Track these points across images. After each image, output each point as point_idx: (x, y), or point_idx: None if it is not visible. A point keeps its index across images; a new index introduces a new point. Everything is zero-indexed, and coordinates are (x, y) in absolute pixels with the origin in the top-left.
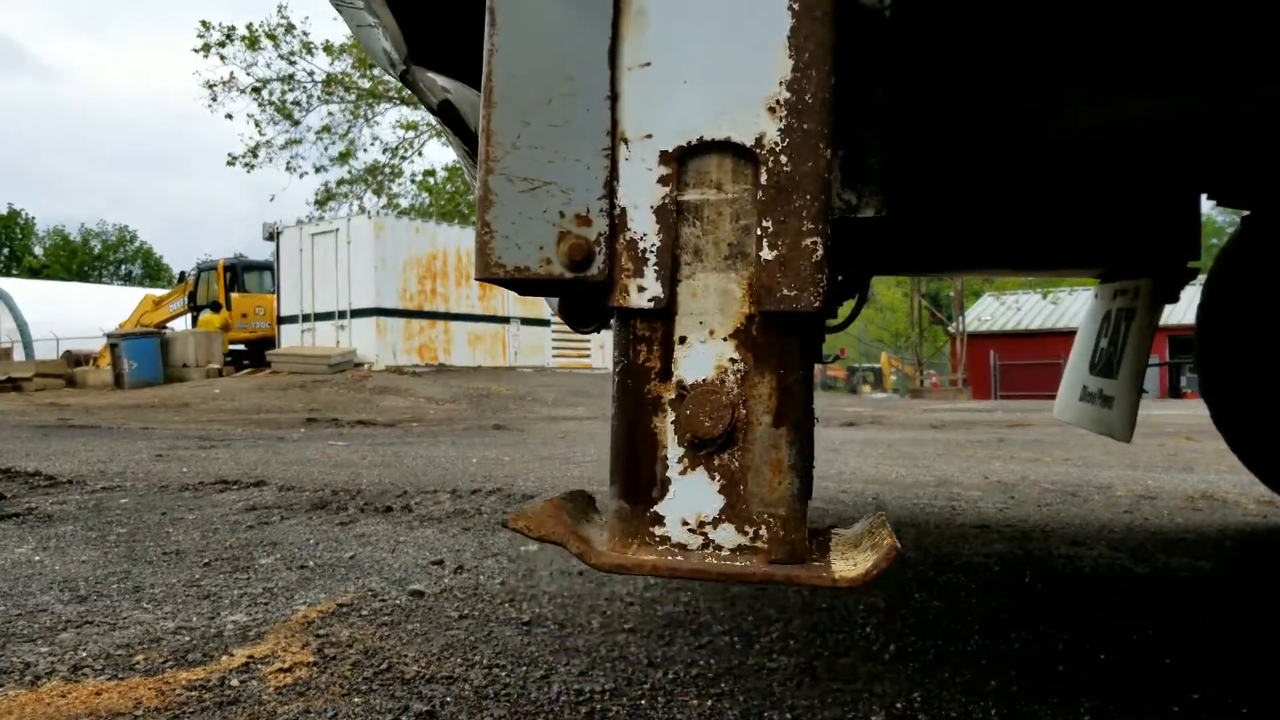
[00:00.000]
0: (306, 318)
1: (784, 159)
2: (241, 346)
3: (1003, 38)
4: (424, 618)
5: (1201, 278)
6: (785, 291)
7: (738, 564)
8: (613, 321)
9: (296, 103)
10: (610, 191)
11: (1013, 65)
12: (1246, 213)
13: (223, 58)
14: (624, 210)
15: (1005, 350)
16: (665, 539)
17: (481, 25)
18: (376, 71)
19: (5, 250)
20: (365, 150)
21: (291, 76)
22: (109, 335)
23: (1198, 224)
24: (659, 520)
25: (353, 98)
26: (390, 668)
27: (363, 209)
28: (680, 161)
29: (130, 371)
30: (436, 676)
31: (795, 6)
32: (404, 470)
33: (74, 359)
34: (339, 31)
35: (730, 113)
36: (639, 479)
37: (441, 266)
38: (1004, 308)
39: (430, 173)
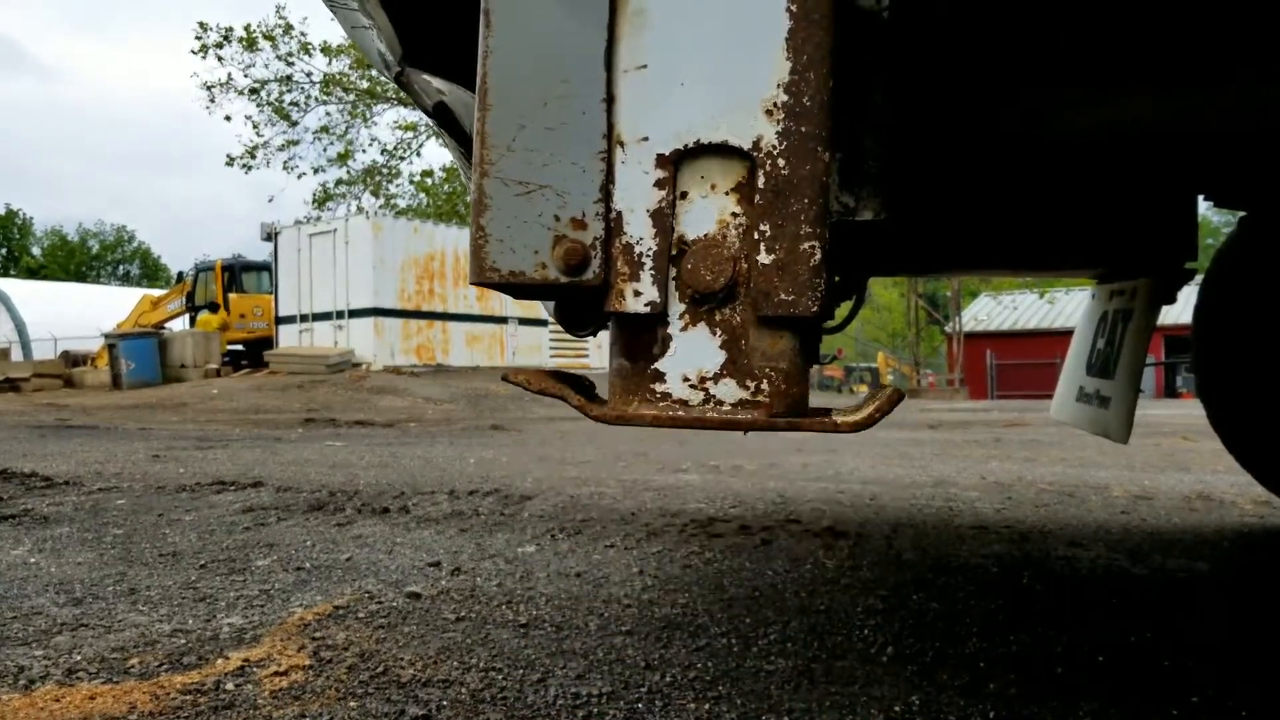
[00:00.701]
0: (304, 318)
1: (781, 162)
2: (239, 347)
3: (1002, 39)
4: (420, 620)
5: (1198, 278)
6: (783, 296)
7: (740, 415)
8: (609, 326)
9: (294, 104)
10: (606, 195)
11: (1011, 66)
12: (1243, 214)
13: (220, 59)
14: (620, 214)
15: (1002, 350)
16: (666, 395)
17: (477, 27)
18: (374, 72)
19: (3, 250)
20: (363, 151)
21: (289, 77)
22: (107, 335)
23: (1195, 225)
24: (660, 377)
25: (351, 98)
26: (386, 671)
27: (361, 209)
28: (676, 165)
29: (128, 372)
30: (433, 680)
31: (793, 9)
32: (401, 471)
33: (72, 359)
34: (337, 32)
35: (727, 115)
36: (639, 336)
37: (439, 267)
38: (1001, 307)
39: (428, 173)
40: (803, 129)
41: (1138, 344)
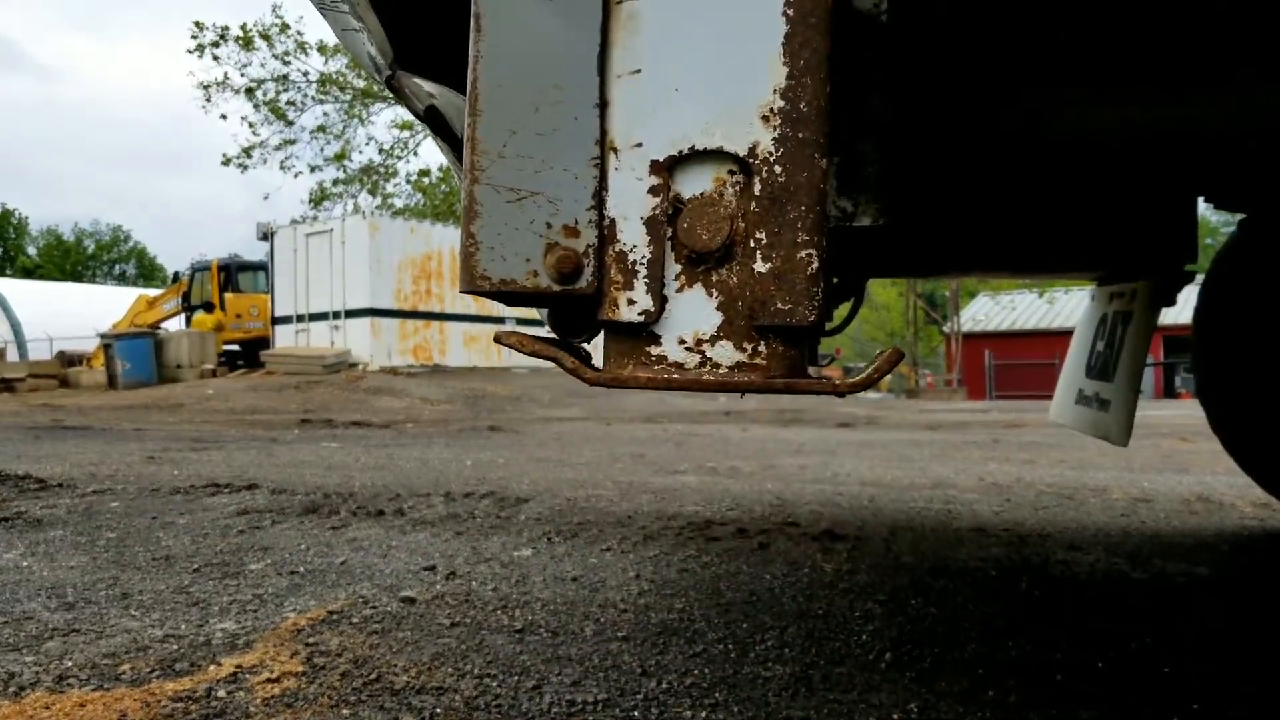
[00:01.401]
0: (301, 318)
1: (778, 169)
2: (236, 347)
3: (1001, 40)
4: (415, 625)
5: (1198, 279)
6: (780, 305)
7: (736, 378)
8: (603, 336)
9: (291, 103)
10: (599, 202)
11: (1011, 67)
12: (1243, 216)
13: (216, 58)
14: (613, 221)
15: (1000, 350)
16: (662, 358)
17: (468, 29)
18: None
19: None
20: (360, 151)
21: (286, 77)
22: (102, 336)
23: (1195, 227)
24: (655, 340)
25: (347, 98)
26: (380, 678)
27: (357, 209)
28: (671, 171)
29: (124, 372)
30: (427, 687)
31: (790, 12)
32: (397, 472)
33: (67, 359)
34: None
35: (723, 121)
36: (634, 346)
37: (436, 267)
38: (999, 307)
39: (425, 173)
40: (800, 135)
41: (1138, 346)
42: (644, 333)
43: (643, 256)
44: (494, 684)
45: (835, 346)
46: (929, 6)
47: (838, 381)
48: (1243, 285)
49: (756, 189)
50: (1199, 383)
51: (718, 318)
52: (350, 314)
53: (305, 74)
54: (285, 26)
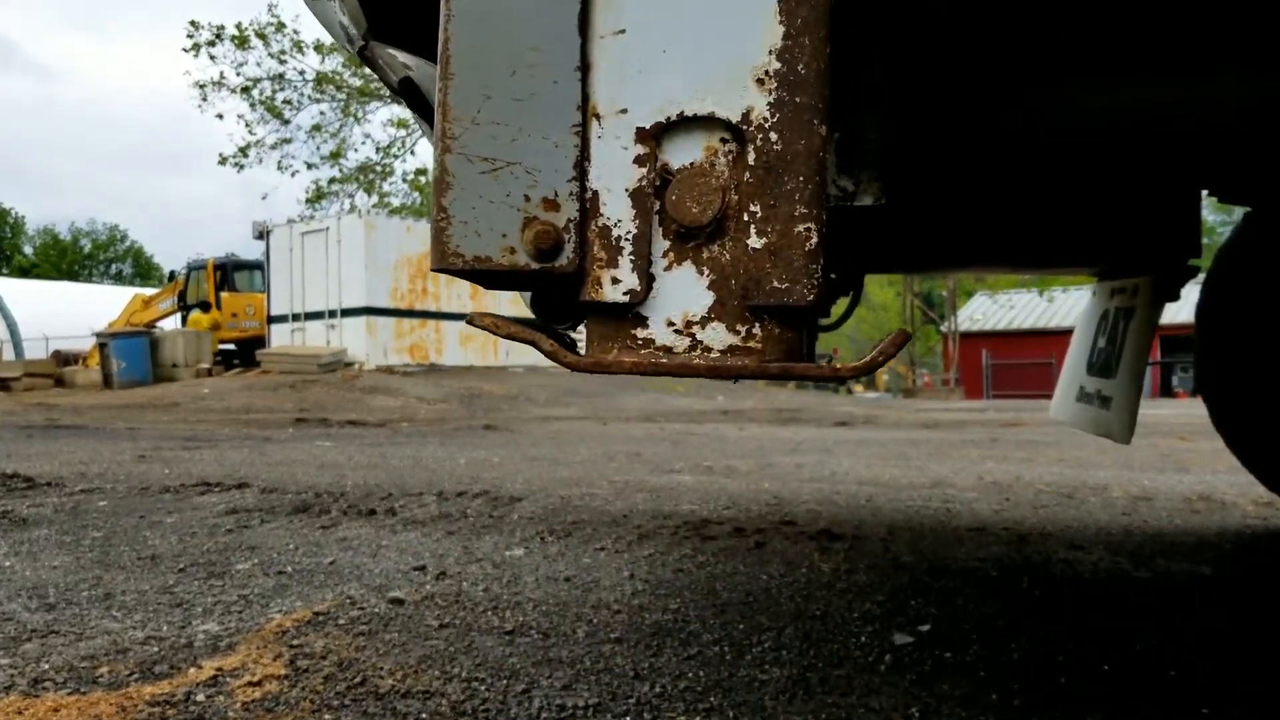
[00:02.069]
0: (297, 317)
1: (774, 136)
2: (231, 346)
3: (1005, 19)
4: (403, 627)
5: (1201, 276)
6: (776, 284)
7: (729, 362)
8: (586, 321)
9: (287, 101)
10: (581, 173)
11: (1014, 47)
12: (1246, 210)
13: (212, 57)
14: (596, 194)
15: (998, 349)
16: (649, 341)
17: None
18: (368, 70)
19: None
20: (355, 150)
21: (282, 75)
22: (98, 334)
23: (1198, 221)
24: (641, 322)
25: (343, 96)
26: (364, 681)
27: (354, 207)
28: (658, 139)
29: (119, 371)
30: (413, 691)
31: None
32: (390, 471)
33: (63, 359)
34: None
35: (714, 85)
36: (619, 328)
37: None
38: (997, 306)
39: (421, 171)
40: (797, 100)
41: (1140, 342)
42: (629, 314)
43: (628, 232)
44: (482, 688)
45: (833, 346)
46: None
47: (838, 365)
48: (1246, 280)
49: (750, 158)
50: (1200, 379)
51: (709, 298)
52: (346, 313)
53: (301, 73)
54: (281, 26)
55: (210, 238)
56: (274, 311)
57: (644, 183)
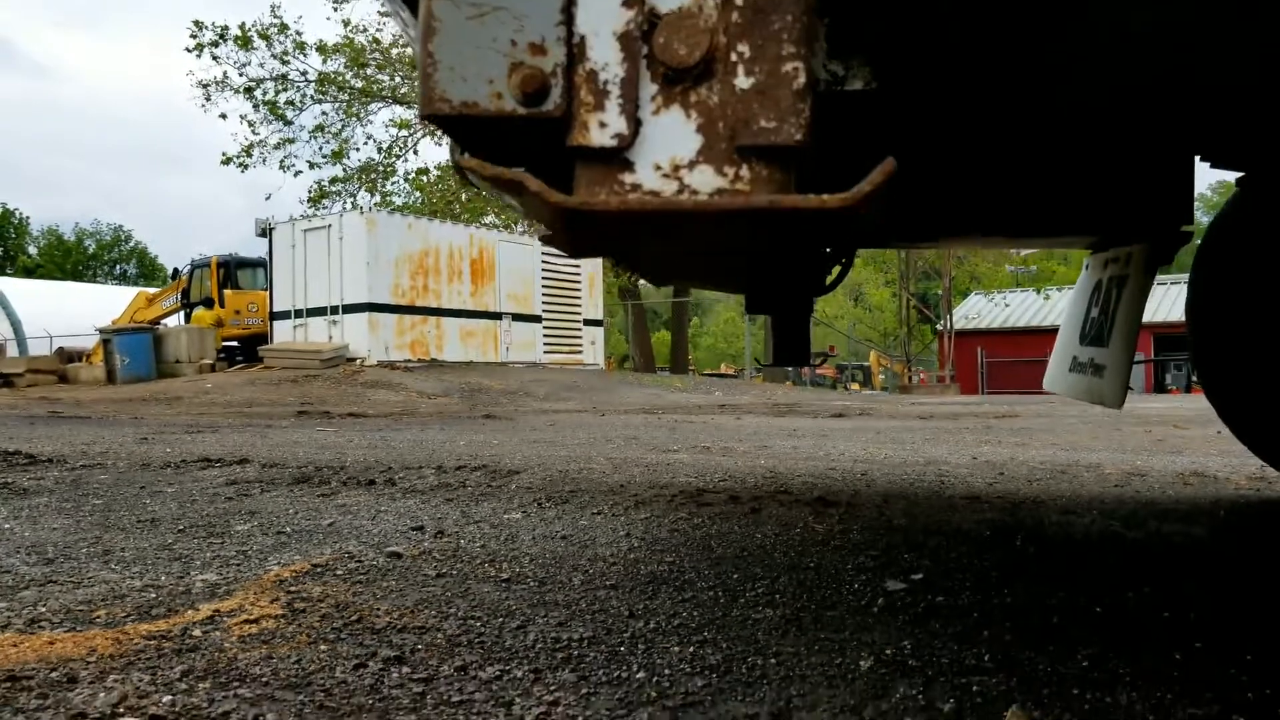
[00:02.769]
0: (299, 313)
1: None
2: (235, 343)
3: None
4: (400, 576)
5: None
6: (763, 124)
7: (717, 200)
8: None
9: (290, 102)
10: (568, 17)
11: None
12: (1240, 175)
13: (215, 58)
14: (584, 38)
15: (992, 347)
16: (636, 186)
17: None
18: (369, 70)
19: None
20: (358, 150)
21: (284, 76)
22: (101, 330)
23: (1191, 187)
24: (628, 166)
25: (345, 97)
26: (361, 620)
27: (356, 206)
28: None
29: (123, 367)
30: (409, 627)
31: None
32: (390, 451)
33: (66, 355)
34: (332, 30)
35: None
36: (606, 174)
37: (434, 263)
38: (992, 305)
39: (423, 171)
40: None
41: (1133, 309)
42: (617, 159)
43: (615, 75)
44: (478, 624)
45: (830, 344)
46: None
47: (826, 198)
48: (1241, 248)
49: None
50: (1194, 351)
51: (697, 140)
52: (348, 309)
53: (304, 73)
54: (284, 27)
55: (214, 237)
56: (276, 308)
57: (631, 26)
